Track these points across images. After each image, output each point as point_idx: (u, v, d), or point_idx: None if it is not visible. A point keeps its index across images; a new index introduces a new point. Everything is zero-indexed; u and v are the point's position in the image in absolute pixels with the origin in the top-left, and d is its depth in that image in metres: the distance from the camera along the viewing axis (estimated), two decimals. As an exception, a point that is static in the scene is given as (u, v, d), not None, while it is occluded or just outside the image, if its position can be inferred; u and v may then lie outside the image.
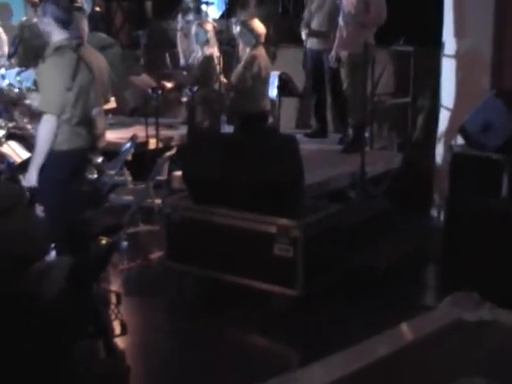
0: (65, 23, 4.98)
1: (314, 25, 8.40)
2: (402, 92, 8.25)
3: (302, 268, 5.23)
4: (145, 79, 7.81)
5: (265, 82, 7.51)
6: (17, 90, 6.67)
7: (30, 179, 4.89)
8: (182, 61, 8.78)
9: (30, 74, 8.32)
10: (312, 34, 8.41)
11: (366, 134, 7.71)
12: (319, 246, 5.38)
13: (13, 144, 6.12)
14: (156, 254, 6.49)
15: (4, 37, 9.43)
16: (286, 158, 5.50)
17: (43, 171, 4.87)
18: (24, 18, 10.02)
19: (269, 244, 5.30)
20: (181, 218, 5.69)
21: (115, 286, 5.78)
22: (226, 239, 5.51)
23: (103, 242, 3.63)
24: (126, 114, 9.64)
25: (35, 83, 7.38)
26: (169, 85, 7.93)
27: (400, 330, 2.26)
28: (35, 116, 6.17)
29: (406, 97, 7.94)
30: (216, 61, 7.85)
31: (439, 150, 7.35)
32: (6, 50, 9.37)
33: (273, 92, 7.99)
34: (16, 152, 6.16)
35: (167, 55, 8.37)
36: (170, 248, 5.85)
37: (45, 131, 4.85)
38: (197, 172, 5.70)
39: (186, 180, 5.85)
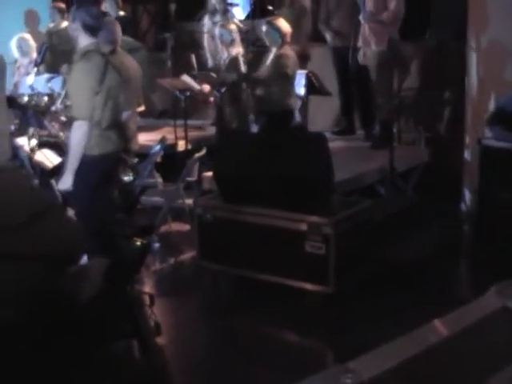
0: (93, 29, 5.04)
1: (335, 23, 8.42)
2: (428, 86, 8.24)
3: (333, 265, 5.24)
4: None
5: (291, 80, 7.53)
6: (47, 98, 6.77)
7: (65, 183, 4.96)
8: (209, 62, 8.81)
9: (59, 80, 8.43)
10: (334, 32, 8.44)
11: (394, 130, 7.72)
12: (351, 242, 5.40)
13: (45, 151, 6.22)
14: (188, 255, 6.54)
15: (33, 44, 9.52)
16: (316, 156, 5.52)
17: (76, 175, 4.95)
18: (51, 25, 10.12)
19: (300, 241, 5.32)
20: (212, 218, 5.73)
21: (148, 287, 5.83)
22: (258, 238, 5.54)
23: (137, 243, 3.69)
24: (154, 117, 9.70)
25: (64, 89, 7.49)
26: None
27: (447, 319, 2.27)
28: (66, 122, 6.28)
29: (433, 91, 7.93)
30: (242, 61, 7.88)
31: (468, 143, 7.33)
32: (34, 56, 9.47)
33: (300, 90, 8.01)
34: (48, 158, 6.27)
35: (193, 57, 8.39)
36: (201, 248, 5.89)
37: (77, 136, 4.91)
38: (227, 172, 5.75)
39: (216, 180, 5.89)
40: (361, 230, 5.56)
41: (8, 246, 2.67)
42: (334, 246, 5.23)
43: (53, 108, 6.55)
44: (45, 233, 2.99)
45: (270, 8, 9.82)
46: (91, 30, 5.02)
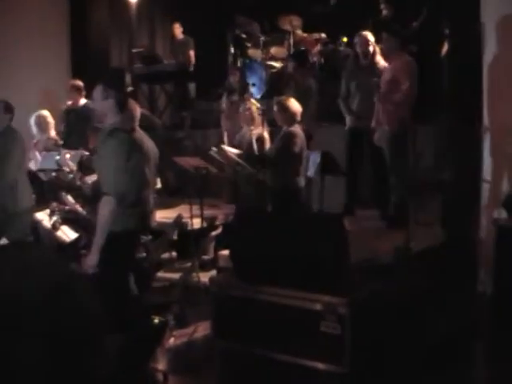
0: (122, 107, 5.15)
1: (355, 104, 8.54)
2: (443, 166, 8.29)
3: (349, 345, 5.22)
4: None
5: (300, 159, 7.61)
6: (71, 174, 6.87)
7: (92, 260, 4.98)
8: (225, 141, 8.94)
9: (76, 156, 8.57)
10: (353, 113, 8.55)
11: (409, 210, 7.74)
12: (366, 322, 5.38)
13: (63, 227, 6.30)
14: (202, 332, 6.51)
15: (51, 121, 9.69)
16: (332, 236, 5.55)
17: (103, 250, 4.98)
18: (69, 103, 10.32)
19: (315, 321, 5.31)
20: (228, 296, 5.74)
21: (162, 363, 5.80)
22: (273, 317, 5.53)
23: (156, 320, 3.69)
24: (169, 194, 9.79)
25: (80, 166, 7.62)
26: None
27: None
28: (87, 199, 6.36)
29: (448, 171, 7.98)
30: (254, 139, 7.99)
31: (483, 224, 7.35)
32: (52, 133, 9.62)
33: (312, 170, 8.08)
34: (65, 233, 6.34)
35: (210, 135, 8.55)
36: (216, 326, 5.89)
37: (105, 213, 4.97)
38: (243, 250, 5.78)
39: (232, 258, 5.92)
40: (376, 310, 5.54)
41: (29, 321, 2.68)
42: (350, 326, 5.21)
43: (77, 183, 6.65)
44: (66, 308, 3.00)
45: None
46: (121, 106, 5.13)
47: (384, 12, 10.26)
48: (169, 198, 9.59)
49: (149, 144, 5.54)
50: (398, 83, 7.77)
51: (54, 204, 6.43)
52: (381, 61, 8.42)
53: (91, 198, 5.65)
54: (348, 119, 8.68)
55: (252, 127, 7.96)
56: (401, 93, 7.75)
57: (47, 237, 6.24)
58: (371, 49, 8.44)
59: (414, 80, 7.74)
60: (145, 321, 3.75)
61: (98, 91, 5.38)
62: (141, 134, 5.48)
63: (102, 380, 3.12)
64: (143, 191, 5.28)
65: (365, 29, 8.92)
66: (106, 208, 4.99)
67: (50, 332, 2.75)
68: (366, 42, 8.51)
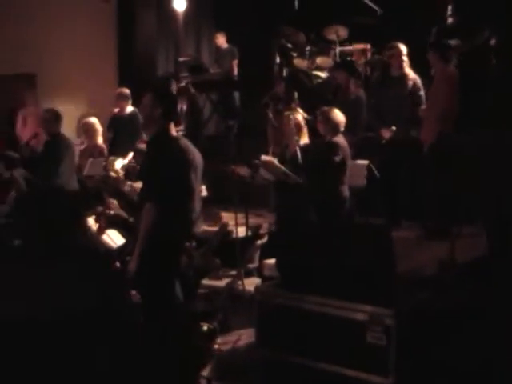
0: (169, 115, 5.20)
1: (388, 115, 8.52)
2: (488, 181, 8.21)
3: (394, 356, 5.18)
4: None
5: (343, 169, 7.60)
6: (118, 181, 6.95)
7: (132, 267, 5.04)
8: (271, 150, 8.97)
9: (122, 163, 8.68)
10: (386, 124, 8.55)
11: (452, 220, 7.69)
12: (412, 333, 5.34)
13: (110, 231, 6.37)
14: (246, 340, 6.52)
15: (99, 128, 9.82)
16: (379, 246, 5.53)
17: (144, 257, 5.03)
18: (116, 110, 10.44)
19: (361, 332, 5.28)
20: (272, 305, 5.74)
21: (206, 370, 5.82)
22: (318, 326, 5.51)
23: (205, 328, 3.71)
24: (214, 202, 9.83)
25: (126, 172, 7.71)
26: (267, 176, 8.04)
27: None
28: (133, 205, 6.42)
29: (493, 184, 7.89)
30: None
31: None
32: (99, 140, 9.75)
33: (357, 180, 8.06)
34: (112, 238, 6.41)
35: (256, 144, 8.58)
36: (260, 334, 5.88)
37: (148, 219, 5.01)
38: (290, 260, 5.78)
39: (279, 268, 5.92)
40: (422, 321, 5.50)
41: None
42: (396, 337, 5.18)
43: (124, 189, 6.72)
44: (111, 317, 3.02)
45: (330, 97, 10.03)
46: (168, 115, 5.18)
47: (449, 20, 10.18)
48: (215, 205, 9.66)
49: (194, 152, 5.58)
50: (439, 96, 7.73)
51: (100, 209, 6.51)
52: (411, 73, 8.44)
53: (137, 205, 5.70)
54: (383, 131, 8.67)
55: (297, 137, 7.97)
56: (441, 106, 7.71)
57: (94, 242, 6.31)
58: (404, 59, 8.46)
59: (452, 95, 7.70)
60: (195, 329, 3.77)
61: (146, 99, 5.43)
62: (186, 142, 5.52)
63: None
64: (188, 199, 5.31)
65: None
66: (149, 215, 5.04)
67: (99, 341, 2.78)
68: (400, 53, 8.52)
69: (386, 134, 8.67)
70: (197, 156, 5.52)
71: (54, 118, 8.32)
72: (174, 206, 5.14)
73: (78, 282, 2.80)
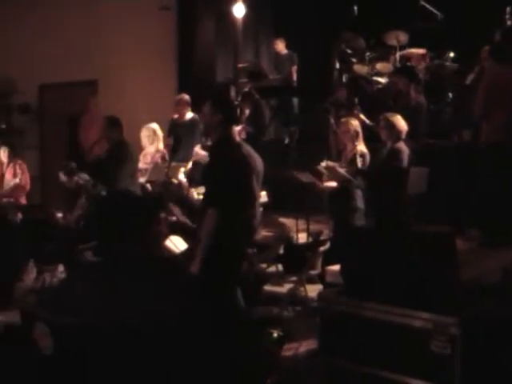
0: (229, 122, 5.23)
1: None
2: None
3: (459, 365, 5.12)
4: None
5: (405, 175, 7.55)
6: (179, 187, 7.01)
7: (194, 270, 5.07)
8: (333, 155, 8.95)
9: (184, 168, 8.75)
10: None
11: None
12: (477, 343, 5.27)
13: (173, 237, 6.42)
14: (308, 347, 6.51)
15: (160, 133, 9.91)
16: (443, 254, 5.47)
17: (205, 263, 5.05)
18: (176, 116, 10.53)
19: (425, 340, 5.23)
20: (335, 312, 5.71)
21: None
22: (381, 334, 5.47)
23: (275, 335, 3.71)
24: (274, 208, 9.85)
25: (188, 178, 7.76)
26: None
27: None
28: (195, 210, 6.47)
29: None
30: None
31: None
32: (160, 146, 9.84)
33: (418, 187, 7.98)
34: (175, 244, 6.46)
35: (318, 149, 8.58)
36: (322, 341, 5.86)
37: (210, 225, 5.04)
38: (354, 267, 5.75)
39: (343, 275, 5.90)
40: (488, 330, 5.42)
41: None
42: (460, 347, 5.11)
43: (186, 195, 6.78)
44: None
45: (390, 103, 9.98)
46: (229, 122, 5.20)
47: (509, 22, 10.04)
48: (275, 212, 9.68)
49: (256, 158, 5.59)
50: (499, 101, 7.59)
51: (163, 215, 6.57)
52: None
53: (199, 210, 5.74)
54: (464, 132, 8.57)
55: (356, 143, 7.95)
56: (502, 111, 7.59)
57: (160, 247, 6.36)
58: None
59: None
60: (265, 335, 3.77)
61: (205, 108, 5.46)
62: (248, 148, 5.54)
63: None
64: (250, 205, 5.32)
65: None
66: (212, 220, 5.06)
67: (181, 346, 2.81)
68: None
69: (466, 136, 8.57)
70: (258, 162, 5.53)
71: (115, 124, 8.44)
72: (236, 212, 5.16)
73: (161, 287, 2.84)
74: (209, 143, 5.58)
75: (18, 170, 9.18)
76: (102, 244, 2.84)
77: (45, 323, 2.74)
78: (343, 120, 8.33)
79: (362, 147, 7.95)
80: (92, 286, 2.81)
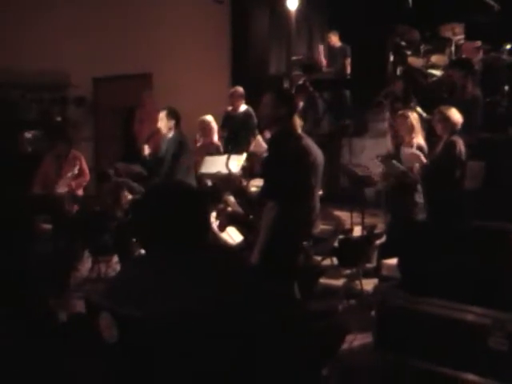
0: (291, 115, 5.23)
1: None
2: None
3: (517, 362, 5.07)
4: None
5: (461, 169, 7.47)
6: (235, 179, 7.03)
7: (253, 261, 5.09)
8: (390, 148, 8.90)
9: (239, 160, 8.76)
10: None
11: None
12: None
13: (229, 229, 6.45)
14: (362, 340, 6.49)
15: (214, 125, 9.96)
16: (500, 250, 5.42)
17: (266, 254, 5.06)
18: (230, 108, 10.57)
19: (482, 336, 5.18)
20: (392, 307, 5.69)
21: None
22: (437, 329, 5.44)
23: (334, 326, 3.70)
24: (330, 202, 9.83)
25: (244, 170, 7.78)
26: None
27: None
28: (252, 202, 6.48)
29: None
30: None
31: None
32: (214, 138, 9.89)
33: (475, 182, 7.91)
34: (231, 236, 6.49)
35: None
36: (378, 335, 5.84)
37: (270, 218, 5.05)
38: (412, 261, 5.72)
39: (401, 269, 5.87)
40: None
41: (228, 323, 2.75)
42: (519, 343, 5.06)
43: (242, 187, 6.80)
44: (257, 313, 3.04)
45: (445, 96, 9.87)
46: (291, 115, 5.20)
47: None
48: (330, 205, 9.66)
49: (316, 150, 5.57)
50: None
51: (220, 206, 6.60)
52: None
53: (257, 202, 5.75)
54: None
55: (413, 135, 7.89)
56: None
57: (214, 239, 6.40)
58: None
59: None
60: (326, 326, 3.77)
61: (268, 99, 5.43)
62: (308, 141, 5.52)
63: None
64: (308, 198, 5.32)
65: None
66: (270, 213, 5.06)
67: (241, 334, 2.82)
68: None
69: None
70: (318, 154, 5.52)
71: (172, 116, 8.50)
72: (295, 205, 5.15)
73: (226, 276, 2.84)
74: (267, 135, 5.54)
75: (76, 162, 9.30)
76: (160, 237, 2.84)
77: (110, 313, 2.77)
78: (400, 113, 8.26)
79: (419, 140, 7.88)
80: (157, 277, 2.83)
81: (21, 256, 4.07)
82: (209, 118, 9.83)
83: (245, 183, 6.79)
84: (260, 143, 9.21)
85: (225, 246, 6.03)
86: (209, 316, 2.71)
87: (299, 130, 5.42)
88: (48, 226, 8.74)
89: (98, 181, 9.54)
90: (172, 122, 8.45)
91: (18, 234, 4.06)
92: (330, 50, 13.34)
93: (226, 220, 6.35)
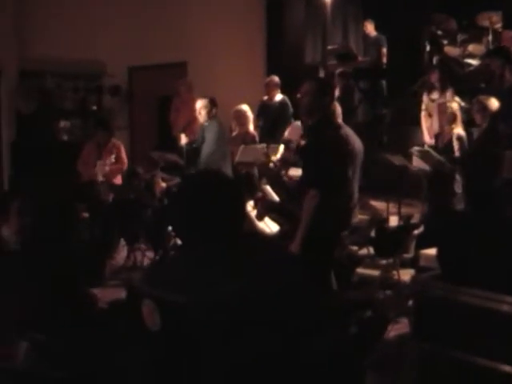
0: (330, 104, 5.21)
1: None
2: None
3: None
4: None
5: (500, 159, 7.40)
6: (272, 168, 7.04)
7: (293, 250, 5.09)
8: (426, 139, 8.84)
9: (276, 150, 8.76)
10: None
11: None
12: None
13: (266, 219, 6.45)
14: (399, 331, 6.47)
15: (250, 115, 9.95)
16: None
17: (305, 244, 5.06)
18: (265, 98, 10.56)
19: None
20: (430, 297, 5.66)
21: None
22: (477, 320, 5.40)
23: (378, 316, 3.68)
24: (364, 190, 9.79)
25: (281, 159, 7.78)
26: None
27: None
28: (290, 191, 6.49)
29: None
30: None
31: None
32: (250, 127, 9.88)
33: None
34: (268, 225, 6.49)
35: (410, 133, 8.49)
36: (417, 325, 5.81)
37: (310, 207, 5.04)
38: (451, 251, 5.68)
39: (439, 259, 5.83)
40: None
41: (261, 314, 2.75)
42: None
43: (280, 176, 6.81)
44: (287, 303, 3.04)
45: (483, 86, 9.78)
46: (329, 104, 5.19)
47: None
48: (366, 194, 9.61)
49: (355, 140, 5.55)
50: None
51: (259, 195, 6.60)
52: None
53: (296, 191, 5.74)
54: None
55: (453, 125, 7.82)
56: None
57: (250, 228, 6.39)
58: None
59: None
60: (372, 316, 3.76)
61: (309, 87, 5.39)
62: (347, 130, 5.50)
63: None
64: (347, 187, 5.30)
65: None
66: (311, 202, 5.05)
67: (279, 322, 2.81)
68: None
69: None
70: (357, 143, 5.50)
71: (209, 105, 8.52)
72: (333, 194, 5.14)
73: (270, 264, 2.84)
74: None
75: (113, 151, 9.36)
76: (197, 227, 2.83)
77: (153, 300, 2.77)
78: (440, 102, 8.22)
79: (459, 130, 7.82)
80: (198, 264, 2.83)
81: (67, 245, 4.09)
82: (244, 107, 9.81)
83: (283, 172, 6.79)
84: (295, 130, 9.18)
85: (264, 236, 6.03)
86: (251, 304, 2.71)
87: (339, 119, 5.40)
88: (85, 215, 8.82)
89: (127, 178, 9.58)
90: (210, 111, 8.46)
91: (64, 222, 4.08)
92: (365, 39, 13.27)
93: (265, 209, 6.34)
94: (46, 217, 3.97)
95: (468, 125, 8.32)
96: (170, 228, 8.82)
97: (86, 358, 3.50)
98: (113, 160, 9.25)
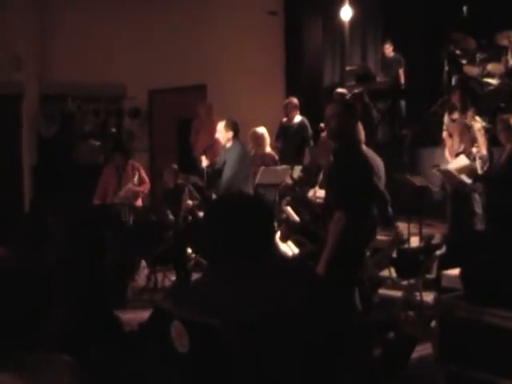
0: (355, 125, 5.23)
1: None
2: None
3: None
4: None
5: None
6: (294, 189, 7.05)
7: (319, 271, 5.08)
8: (448, 159, 8.83)
9: (295, 171, 8.77)
10: None
11: None
12: None
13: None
14: (422, 352, 6.42)
15: (267, 137, 10.00)
16: None
17: (331, 264, 5.05)
18: (284, 119, 10.60)
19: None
20: (454, 318, 5.63)
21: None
22: (502, 341, 5.36)
23: (405, 337, 3.64)
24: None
25: (301, 180, 7.78)
26: None
27: None
28: (314, 212, 6.49)
29: None
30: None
31: None
32: (267, 149, 9.91)
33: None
34: (290, 247, 6.49)
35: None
36: (442, 347, 5.78)
37: (338, 228, 5.03)
38: (475, 272, 5.66)
39: (463, 280, 5.81)
40: None
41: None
42: None
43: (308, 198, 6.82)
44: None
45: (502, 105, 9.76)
46: (354, 125, 5.21)
47: None
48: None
49: (378, 162, 5.57)
50: None
51: (283, 216, 6.62)
52: None
53: (322, 213, 5.74)
54: None
55: (476, 145, 7.82)
56: None
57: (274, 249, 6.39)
58: None
59: None
60: (398, 336, 3.72)
61: (335, 110, 5.40)
62: (370, 152, 5.53)
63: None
64: (372, 208, 5.31)
65: None
66: (339, 223, 5.04)
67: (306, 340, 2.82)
68: None
69: None
70: (380, 164, 5.52)
71: (230, 127, 8.56)
72: (359, 215, 5.15)
73: (298, 285, 2.85)
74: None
75: (135, 172, 9.42)
76: (226, 249, 2.85)
77: (181, 321, 2.78)
78: (462, 122, 8.22)
79: (482, 150, 7.82)
80: (226, 286, 2.85)
81: (97, 269, 4.12)
82: (261, 129, 9.85)
83: (309, 194, 6.82)
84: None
85: (289, 257, 6.04)
86: (280, 325, 2.72)
87: (363, 141, 5.42)
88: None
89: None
90: (231, 133, 8.51)
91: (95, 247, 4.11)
92: (384, 60, 13.29)
93: (289, 231, 6.34)
94: (79, 242, 4.00)
95: (490, 144, 8.30)
96: (189, 249, 8.86)
97: (119, 381, 3.50)
98: (135, 182, 9.31)
